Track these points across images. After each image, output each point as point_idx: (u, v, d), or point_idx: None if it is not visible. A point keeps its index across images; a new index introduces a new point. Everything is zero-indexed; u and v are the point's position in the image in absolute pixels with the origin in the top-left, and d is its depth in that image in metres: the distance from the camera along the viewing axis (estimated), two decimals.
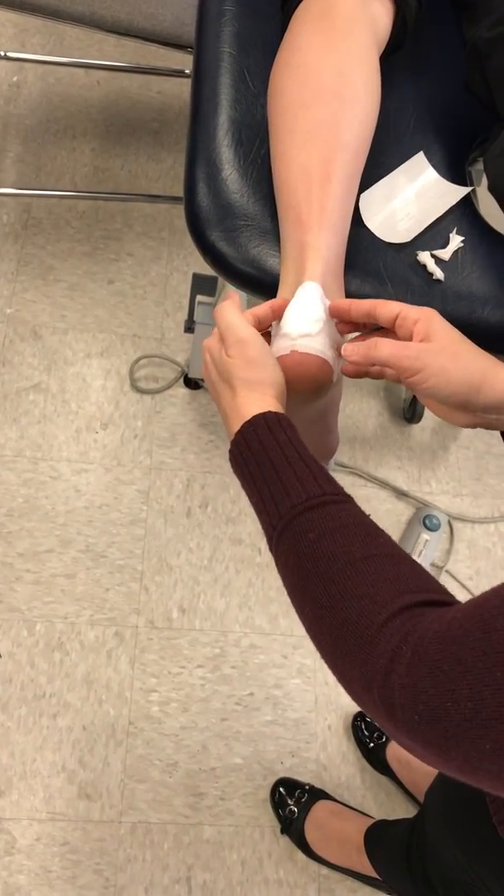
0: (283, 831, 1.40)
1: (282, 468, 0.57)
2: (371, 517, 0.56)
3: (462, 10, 0.97)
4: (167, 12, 1.49)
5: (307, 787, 1.42)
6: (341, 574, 0.51)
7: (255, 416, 0.61)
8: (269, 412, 0.61)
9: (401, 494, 1.72)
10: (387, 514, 1.70)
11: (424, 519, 1.67)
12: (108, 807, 1.39)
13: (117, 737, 1.44)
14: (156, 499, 1.63)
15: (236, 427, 0.62)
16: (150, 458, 1.67)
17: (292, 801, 1.40)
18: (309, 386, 0.68)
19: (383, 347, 0.63)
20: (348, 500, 0.57)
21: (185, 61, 1.57)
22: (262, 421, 0.60)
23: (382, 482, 1.72)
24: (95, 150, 1.97)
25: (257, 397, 0.63)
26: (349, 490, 1.81)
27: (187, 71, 1.79)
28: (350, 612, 0.49)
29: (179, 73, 1.91)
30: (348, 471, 1.72)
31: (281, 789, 1.42)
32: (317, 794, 1.42)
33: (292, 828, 1.39)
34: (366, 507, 1.83)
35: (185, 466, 1.67)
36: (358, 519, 0.55)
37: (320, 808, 1.40)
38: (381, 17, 0.84)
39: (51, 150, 1.95)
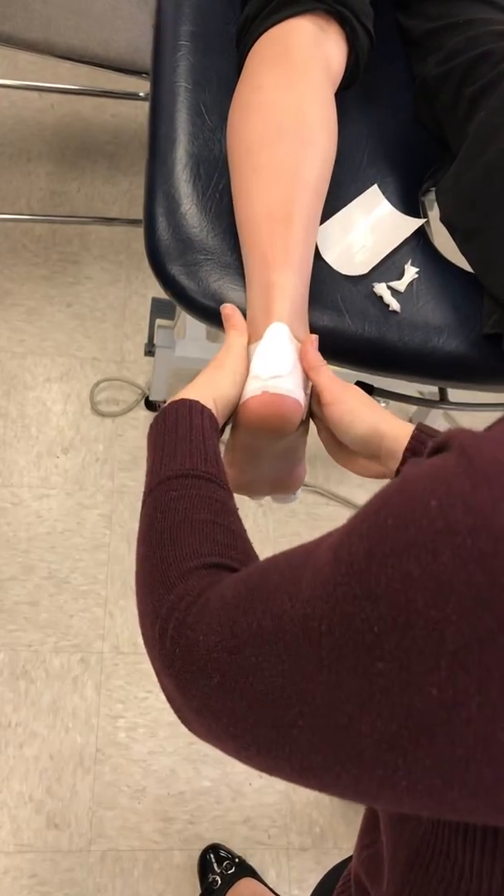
0: None
1: (181, 442, 0.62)
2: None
3: (411, 47, 1.00)
4: (121, 38, 1.50)
5: (237, 860, 1.38)
6: (179, 526, 0.55)
7: (185, 399, 0.66)
8: (198, 402, 0.66)
9: None
10: None
11: None
12: (77, 836, 1.38)
13: (85, 764, 1.43)
14: (119, 523, 1.63)
15: None
16: (113, 481, 1.67)
17: (219, 871, 1.36)
18: (281, 424, 0.69)
19: (325, 370, 0.72)
20: (224, 486, 0.61)
21: (139, 84, 1.58)
22: (187, 403, 0.65)
23: (344, 500, 1.74)
24: (51, 173, 1.97)
25: (201, 391, 0.68)
26: (312, 509, 1.79)
27: (142, 94, 1.80)
28: (168, 554, 0.53)
29: (134, 97, 1.91)
30: (310, 489, 1.74)
31: (210, 855, 1.39)
32: (245, 870, 1.38)
33: None
34: (328, 526, 1.83)
35: None
36: (221, 497, 0.59)
37: (244, 885, 1.35)
38: (334, 56, 0.86)
39: (5, 174, 1.94)
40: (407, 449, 0.68)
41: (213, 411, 0.67)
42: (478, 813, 0.34)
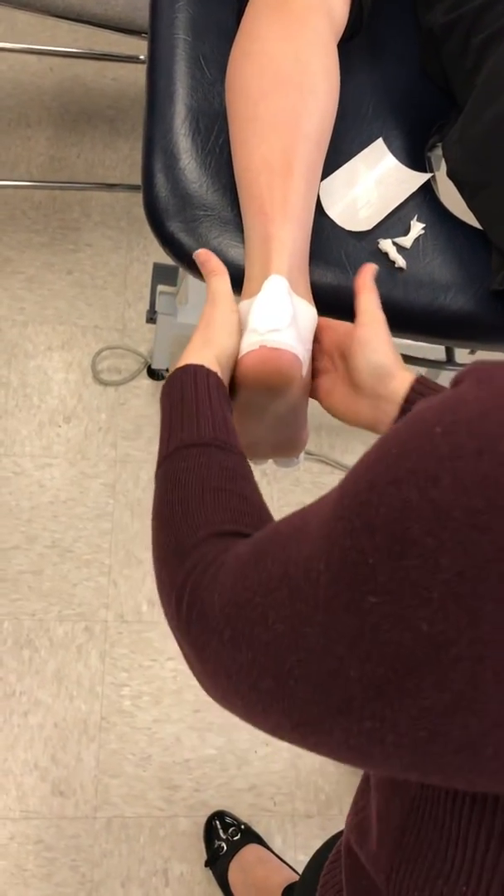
0: (207, 864, 1.36)
1: (188, 409, 0.62)
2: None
3: None
4: None
5: (242, 827, 1.38)
6: (190, 497, 0.56)
7: (188, 364, 0.65)
8: (202, 366, 0.65)
9: None
10: None
11: None
12: (83, 803, 1.38)
13: (90, 732, 1.43)
14: (122, 492, 1.62)
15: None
16: (116, 450, 1.65)
17: (224, 837, 1.36)
18: (279, 380, 0.67)
19: (373, 294, 0.75)
20: (234, 450, 0.61)
21: (139, 47, 1.54)
22: (192, 370, 0.65)
23: (349, 469, 1.73)
24: (50, 138, 1.93)
25: (201, 353, 0.67)
26: (317, 477, 1.77)
27: (142, 57, 1.76)
28: (181, 527, 0.54)
29: (134, 59, 1.87)
30: (315, 458, 1.72)
31: (216, 821, 1.39)
32: (250, 837, 1.38)
33: (217, 864, 1.35)
34: None
35: (150, 458, 1.66)
36: (231, 463, 0.59)
37: (250, 851, 1.35)
38: (337, 4, 0.84)
39: (4, 140, 1.91)
40: (406, 400, 0.68)
41: (218, 370, 0.66)
42: (462, 772, 0.34)
